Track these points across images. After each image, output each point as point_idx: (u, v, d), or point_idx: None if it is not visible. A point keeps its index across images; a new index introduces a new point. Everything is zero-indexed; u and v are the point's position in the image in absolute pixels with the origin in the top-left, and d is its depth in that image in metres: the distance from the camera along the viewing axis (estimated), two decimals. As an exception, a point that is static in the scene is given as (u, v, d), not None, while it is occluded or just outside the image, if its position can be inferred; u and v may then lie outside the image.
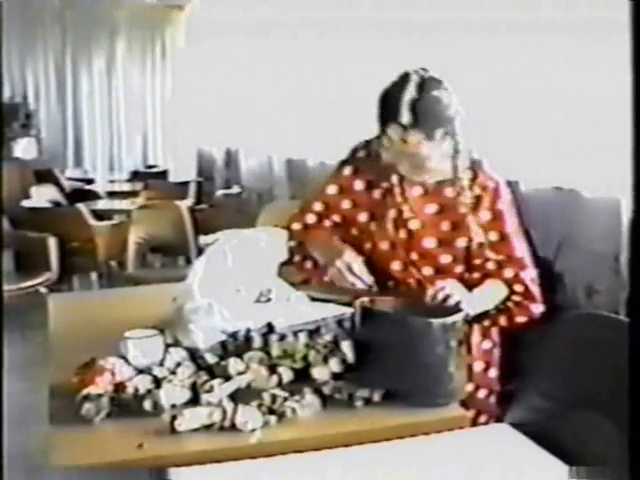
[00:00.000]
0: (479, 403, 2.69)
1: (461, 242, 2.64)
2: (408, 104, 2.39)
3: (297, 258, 2.86)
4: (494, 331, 2.78)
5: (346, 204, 2.75)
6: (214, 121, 9.28)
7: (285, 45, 6.61)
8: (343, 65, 6.02)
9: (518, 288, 2.66)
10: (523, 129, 4.13)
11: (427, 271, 2.66)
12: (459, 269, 2.67)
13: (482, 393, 2.74)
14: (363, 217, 2.72)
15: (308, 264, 2.85)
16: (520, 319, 2.67)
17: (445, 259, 2.64)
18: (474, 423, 2.47)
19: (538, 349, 2.44)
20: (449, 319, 2.20)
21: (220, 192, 9.45)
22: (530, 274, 2.68)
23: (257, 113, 7.50)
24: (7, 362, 4.91)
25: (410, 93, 2.39)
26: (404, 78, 2.44)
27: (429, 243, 2.65)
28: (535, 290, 2.67)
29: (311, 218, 2.84)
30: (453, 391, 2.21)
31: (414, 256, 2.66)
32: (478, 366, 2.74)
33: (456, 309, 2.29)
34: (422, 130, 2.40)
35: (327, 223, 2.80)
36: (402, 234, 2.66)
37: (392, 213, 2.66)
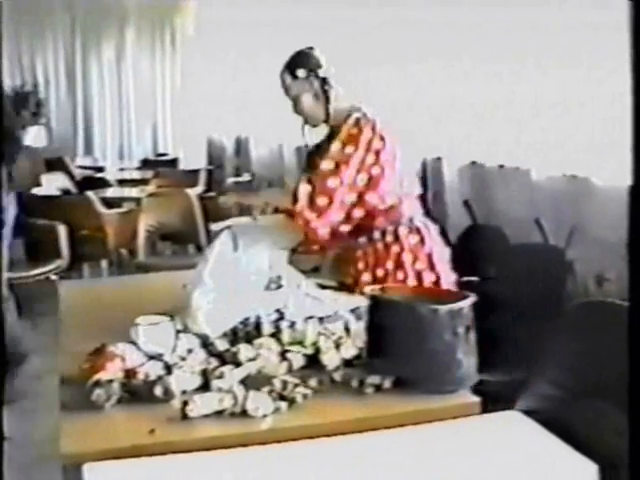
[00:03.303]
0: None
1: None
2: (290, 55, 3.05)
3: None
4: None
5: None
6: (224, 109, 9.28)
7: (296, 34, 6.61)
8: (352, 54, 6.01)
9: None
10: (535, 119, 4.12)
11: (322, 201, 2.89)
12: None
13: None
14: None
15: None
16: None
17: (333, 183, 2.88)
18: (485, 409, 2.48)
19: (548, 337, 2.44)
20: (456, 305, 2.21)
21: (230, 180, 9.46)
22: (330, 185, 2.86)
23: (267, 101, 7.49)
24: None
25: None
26: None
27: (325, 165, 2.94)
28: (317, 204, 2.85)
29: None
30: (462, 378, 2.21)
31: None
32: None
33: (464, 295, 2.29)
34: (288, 70, 3.01)
35: None
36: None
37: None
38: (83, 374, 2.21)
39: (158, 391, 2.13)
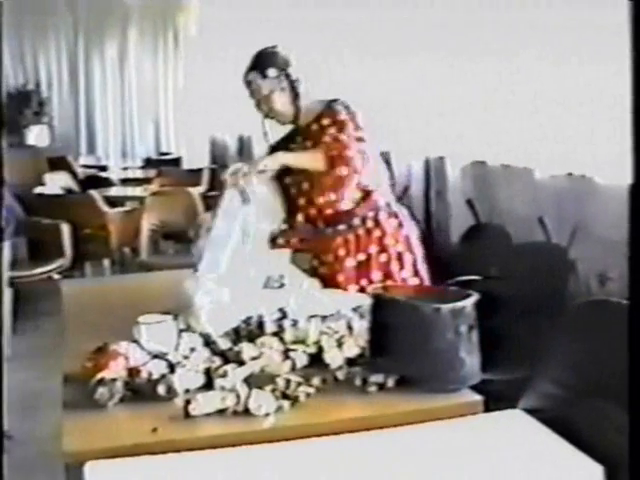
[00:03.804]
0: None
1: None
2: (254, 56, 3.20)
3: None
4: None
5: None
6: (227, 108, 9.25)
7: (296, 33, 6.60)
8: (354, 51, 6.00)
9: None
10: (538, 117, 4.11)
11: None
12: None
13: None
14: None
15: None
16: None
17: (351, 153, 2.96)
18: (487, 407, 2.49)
19: (551, 336, 2.43)
20: (458, 304, 2.20)
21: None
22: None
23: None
24: (21, 348, 4.94)
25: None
26: None
27: None
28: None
29: None
30: (465, 376, 2.21)
31: None
32: None
33: (466, 294, 2.29)
34: (257, 70, 3.13)
35: None
36: None
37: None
38: (86, 373, 2.21)
39: (161, 390, 2.14)
